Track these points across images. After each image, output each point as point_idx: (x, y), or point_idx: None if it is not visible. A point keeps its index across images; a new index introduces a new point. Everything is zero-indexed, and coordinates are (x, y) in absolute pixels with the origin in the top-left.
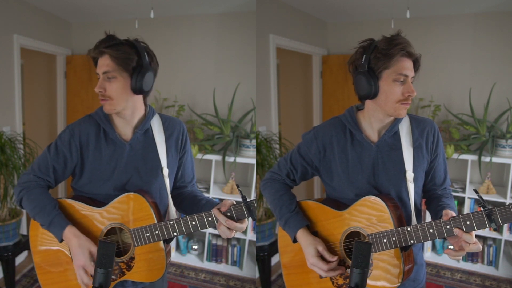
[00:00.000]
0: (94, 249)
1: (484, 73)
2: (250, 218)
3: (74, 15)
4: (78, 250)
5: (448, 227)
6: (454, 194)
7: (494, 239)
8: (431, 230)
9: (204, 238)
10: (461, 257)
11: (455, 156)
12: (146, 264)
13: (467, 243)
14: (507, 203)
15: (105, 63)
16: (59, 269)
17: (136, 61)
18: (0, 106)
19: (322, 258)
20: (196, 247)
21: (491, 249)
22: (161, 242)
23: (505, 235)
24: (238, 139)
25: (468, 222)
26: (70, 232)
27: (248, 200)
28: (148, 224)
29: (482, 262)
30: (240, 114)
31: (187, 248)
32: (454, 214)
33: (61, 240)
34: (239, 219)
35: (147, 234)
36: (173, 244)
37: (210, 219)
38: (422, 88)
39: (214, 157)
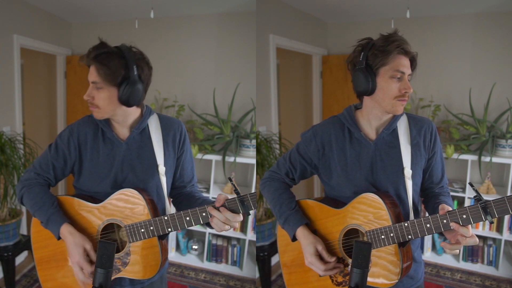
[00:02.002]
0: (88, 246)
1: (484, 73)
2: (248, 213)
3: (74, 15)
4: (72, 248)
5: (444, 221)
6: (454, 194)
7: (494, 239)
8: (428, 225)
9: (204, 238)
10: (457, 251)
11: (455, 156)
12: (142, 260)
13: (463, 237)
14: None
15: (93, 73)
16: (58, 266)
17: (123, 75)
18: (0, 106)
19: (320, 257)
20: (196, 247)
21: (491, 249)
22: (156, 238)
23: (505, 235)
24: (238, 139)
25: (464, 216)
26: (65, 230)
27: (242, 194)
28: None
29: (482, 262)
30: (240, 114)
31: (187, 248)
32: (450, 209)
33: (59, 238)
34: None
35: (142, 230)
36: (173, 244)
37: (204, 214)
38: (422, 88)
39: (214, 157)
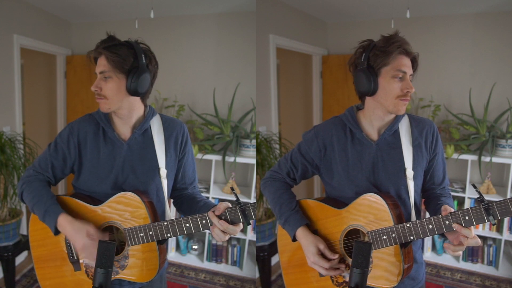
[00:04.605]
0: (91, 229)
1: (484, 73)
2: (249, 222)
3: (74, 15)
4: (75, 235)
5: (447, 222)
6: (454, 194)
7: (494, 239)
8: (430, 226)
9: (204, 238)
10: (460, 253)
11: (455, 156)
12: (140, 263)
13: (465, 238)
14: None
15: (102, 63)
16: (56, 265)
17: (132, 63)
18: (0, 106)
19: (322, 256)
20: (196, 247)
21: (491, 249)
22: (156, 242)
23: (505, 235)
24: (238, 139)
25: (467, 217)
26: (64, 219)
27: (243, 204)
28: (143, 224)
29: (482, 262)
30: (240, 114)
31: (187, 248)
32: (452, 210)
33: (56, 232)
34: (234, 223)
35: (141, 234)
36: (173, 244)
37: (204, 221)
38: (422, 88)
39: (214, 157)
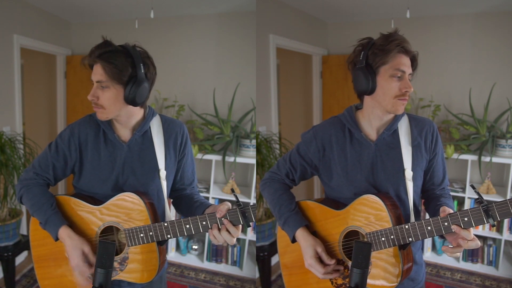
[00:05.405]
0: (86, 248)
1: (484, 73)
2: (249, 225)
3: (74, 15)
4: (71, 251)
5: (446, 224)
6: (454, 194)
7: (494, 239)
8: (429, 228)
9: (204, 238)
10: (459, 254)
11: (455, 156)
12: (139, 264)
13: (465, 240)
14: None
15: (98, 71)
16: (55, 264)
17: (130, 73)
18: (0, 106)
19: (320, 259)
20: (196, 247)
21: (491, 249)
22: (155, 243)
23: (505, 235)
24: (238, 139)
25: (466, 219)
26: (64, 232)
27: (243, 206)
28: (143, 224)
29: (482, 262)
30: (240, 114)
31: (187, 248)
32: (451, 211)
33: (57, 239)
34: (233, 225)
35: (141, 235)
36: (173, 244)
37: (204, 223)
38: (422, 88)
39: (214, 157)
